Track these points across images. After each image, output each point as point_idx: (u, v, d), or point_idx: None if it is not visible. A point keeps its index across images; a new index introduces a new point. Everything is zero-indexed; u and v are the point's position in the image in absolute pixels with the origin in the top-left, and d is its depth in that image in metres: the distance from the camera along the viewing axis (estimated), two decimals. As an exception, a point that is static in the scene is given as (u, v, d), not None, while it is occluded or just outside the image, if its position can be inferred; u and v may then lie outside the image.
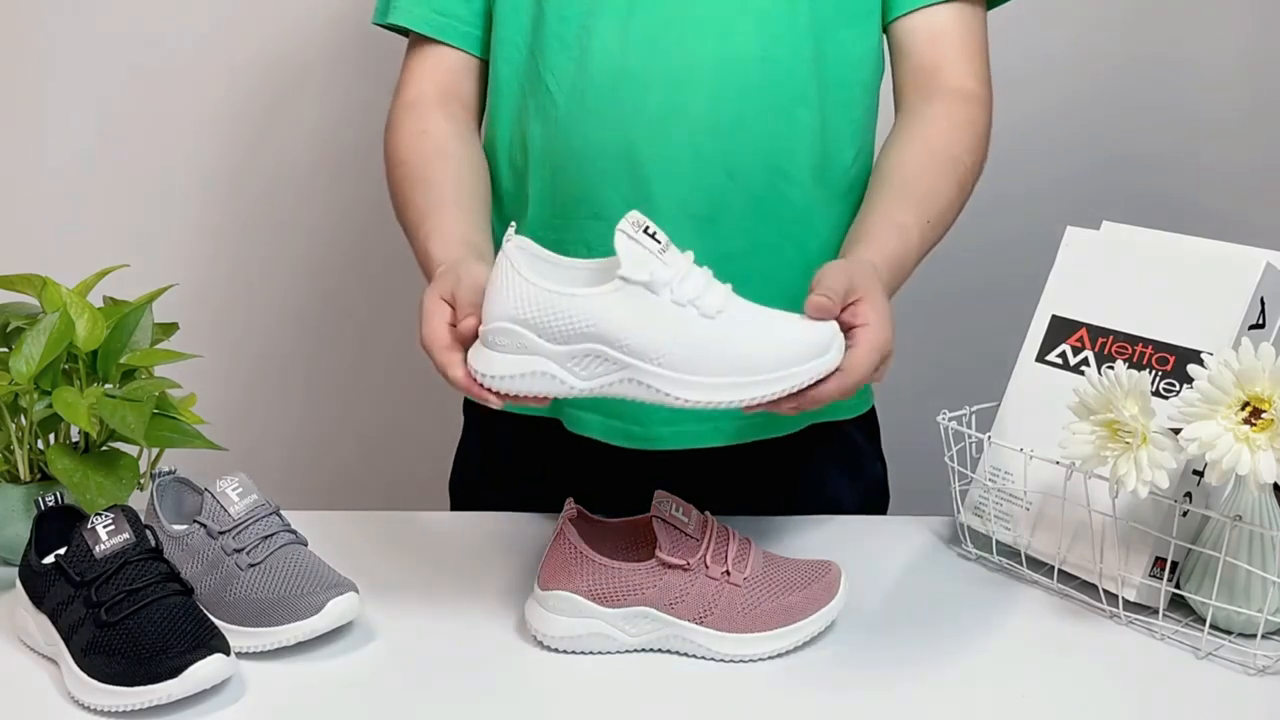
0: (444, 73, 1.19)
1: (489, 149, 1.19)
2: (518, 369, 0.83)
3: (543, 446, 1.22)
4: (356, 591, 0.96)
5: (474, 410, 1.31)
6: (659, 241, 0.84)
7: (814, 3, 1.10)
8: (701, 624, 0.93)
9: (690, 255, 0.87)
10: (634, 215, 0.85)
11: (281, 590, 0.94)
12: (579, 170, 1.11)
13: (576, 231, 1.12)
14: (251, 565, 0.97)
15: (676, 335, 0.82)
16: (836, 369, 0.86)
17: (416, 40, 1.20)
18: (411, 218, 1.08)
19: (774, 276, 1.10)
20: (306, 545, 1.01)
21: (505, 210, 1.17)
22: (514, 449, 1.25)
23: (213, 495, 1.00)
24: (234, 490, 1.00)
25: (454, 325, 0.90)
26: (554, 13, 1.11)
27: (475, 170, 1.14)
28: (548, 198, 1.14)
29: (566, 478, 1.16)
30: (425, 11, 1.18)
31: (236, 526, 0.98)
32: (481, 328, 0.85)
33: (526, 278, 0.83)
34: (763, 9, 1.09)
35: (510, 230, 0.88)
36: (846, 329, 0.87)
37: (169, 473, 1.06)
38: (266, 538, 0.98)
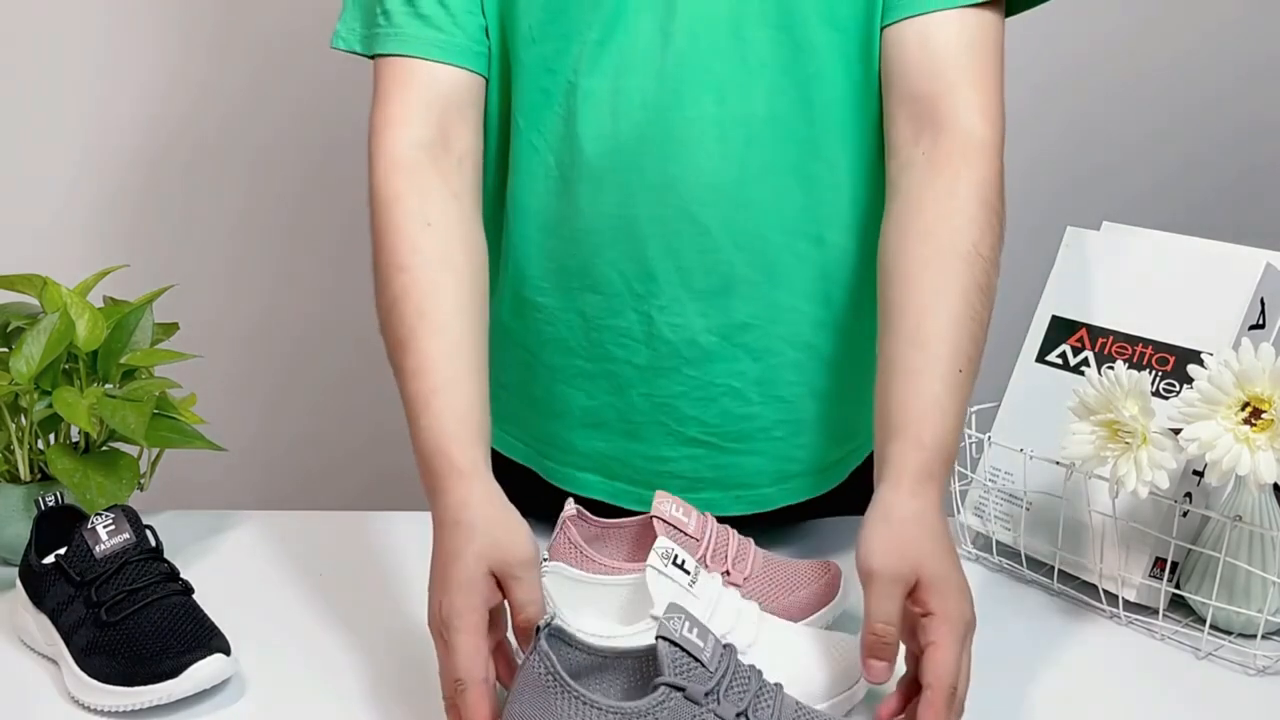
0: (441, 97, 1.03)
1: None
2: None
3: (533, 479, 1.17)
4: None
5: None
6: (688, 572, 0.85)
7: (813, 48, 0.98)
8: None
9: (718, 578, 0.87)
10: (662, 545, 0.85)
11: None
12: (574, 240, 1.02)
13: (571, 300, 1.04)
14: None
15: None
16: (924, 688, 0.78)
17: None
18: (411, 367, 0.92)
19: (798, 340, 1.04)
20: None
21: (492, 262, 1.03)
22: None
23: None
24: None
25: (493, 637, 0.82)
26: (537, 63, 1.00)
27: (480, 288, 0.98)
28: (538, 260, 1.05)
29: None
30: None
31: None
32: None
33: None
34: (762, 60, 0.98)
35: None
36: (911, 624, 0.81)
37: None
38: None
